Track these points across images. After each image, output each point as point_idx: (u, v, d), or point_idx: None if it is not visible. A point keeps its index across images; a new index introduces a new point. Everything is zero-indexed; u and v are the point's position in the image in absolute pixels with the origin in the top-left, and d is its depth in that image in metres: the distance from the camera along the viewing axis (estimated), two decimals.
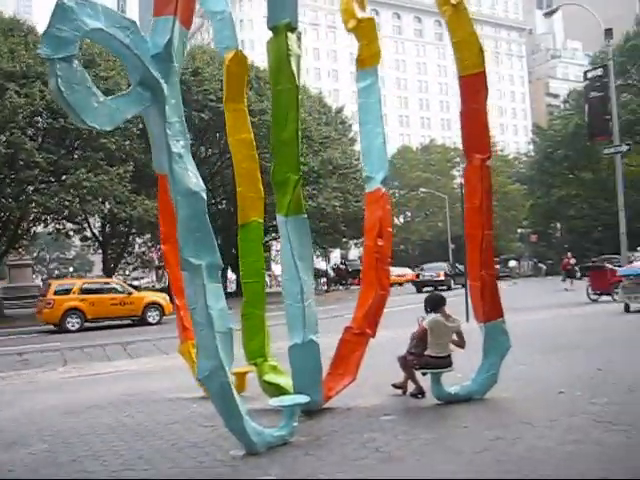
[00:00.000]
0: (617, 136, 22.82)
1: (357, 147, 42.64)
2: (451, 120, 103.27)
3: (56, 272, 78.95)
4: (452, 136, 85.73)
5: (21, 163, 24.86)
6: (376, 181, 7.86)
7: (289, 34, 6.19)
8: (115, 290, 22.90)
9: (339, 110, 42.31)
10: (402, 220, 77.35)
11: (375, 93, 8.05)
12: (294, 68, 6.18)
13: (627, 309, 16.19)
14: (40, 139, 27.01)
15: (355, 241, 53.45)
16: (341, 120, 41.65)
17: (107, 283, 24.60)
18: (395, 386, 7.77)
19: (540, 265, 64.17)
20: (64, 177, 25.79)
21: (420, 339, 7.35)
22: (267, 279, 60.10)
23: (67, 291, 21.81)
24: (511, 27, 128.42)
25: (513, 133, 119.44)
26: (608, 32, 23.34)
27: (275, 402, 6.10)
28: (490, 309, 7.25)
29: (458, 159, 70.30)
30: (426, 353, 7.19)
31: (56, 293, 21.57)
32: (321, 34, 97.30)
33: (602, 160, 42.33)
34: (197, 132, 30.63)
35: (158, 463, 5.47)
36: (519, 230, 74.85)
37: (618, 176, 22.50)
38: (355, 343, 7.44)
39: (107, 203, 27.33)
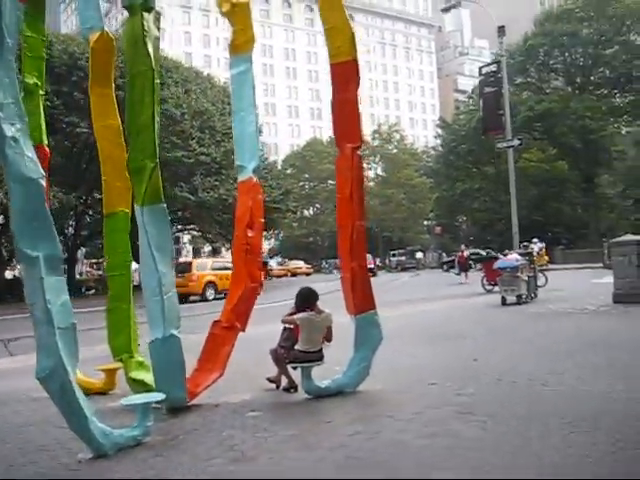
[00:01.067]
0: (509, 131, 23.53)
1: (262, 139, 42.38)
2: (322, 109, 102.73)
3: None
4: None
5: None
6: (248, 170, 7.68)
7: (145, 14, 5.89)
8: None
9: None
10: (311, 212, 77.68)
11: (249, 80, 7.86)
12: (150, 50, 5.88)
13: (504, 302, 16.38)
14: None
15: (265, 233, 53.42)
16: None
17: (228, 262, 27.96)
18: (269, 380, 7.62)
19: (443, 256, 66.00)
20: None
21: (290, 333, 7.24)
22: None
23: (204, 268, 26.77)
24: (421, 24, 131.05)
25: (422, 127, 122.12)
26: (501, 29, 24.03)
27: (127, 401, 5.80)
28: (361, 301, 7.19)
29: (367, 151, 71.30)
30: (296, 347, 7.07)
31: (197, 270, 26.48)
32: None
33: (503, 155, 43.73)
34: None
35: None
36: (425, 222, 76.60)
37: (510, 170, 23.19)
38: (224, 337, 7.24)
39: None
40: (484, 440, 5.18)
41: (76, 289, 34.52)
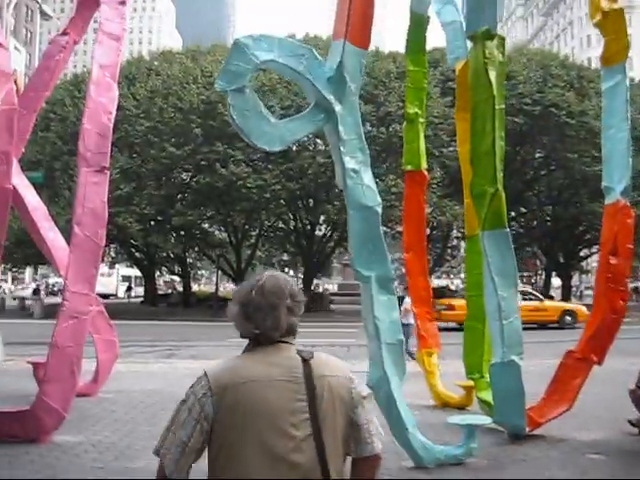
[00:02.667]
0: None
1: None
2: None
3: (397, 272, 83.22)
4: None
5: None
6: (615, 192, 7.08)
7: (488, 42, 5.98)
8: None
9: None
10: None
11: (621, 94, 7.24)
12: (492, 77, 5.94)
13: None
14: None
15: None
16: None
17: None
18: (630, 423, 6.91)
19: None
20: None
21: None
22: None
23: None
24: None
25: None
26: None
27: (454, 420, 5.97)
28: None
29: None
30: None
31: None
32: None
33: None
34: (512, 136, 29.88)
35: None
36: None
37: None
38: (576, 369, 6.82)
39: None
40: None
41: None
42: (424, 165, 8.73)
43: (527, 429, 6.55)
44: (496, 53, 6.02)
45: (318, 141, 25.92)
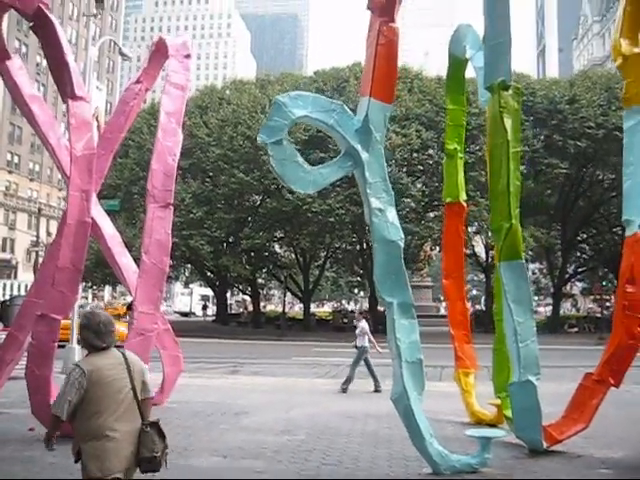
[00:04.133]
0: None
1: None
2: None
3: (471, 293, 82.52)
4: None
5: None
6: (634, 225, 7.57)
7: (504, 92, 6.66)
8: None
9: None
10: None
11: None
12: (508, 124, 6.61)
13: None
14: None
15: None
16: None
17: None
18: None
19: None
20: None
21: None
22: None
23: None
24: None
25: None
26: None
27: (470, 432, 6.59)
28: None
29: None
30: None
31: None
32: None
33: None
34: (576, 160, 29.87)
35: (359, 467, 6.52)
36: None
37: None
38: (593, 390, 7.31)
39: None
40: None
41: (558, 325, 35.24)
42: (463, 197, 9.41)
43: (545, 444, 7.10)
44: (511, 102, 6.70)
45: None
